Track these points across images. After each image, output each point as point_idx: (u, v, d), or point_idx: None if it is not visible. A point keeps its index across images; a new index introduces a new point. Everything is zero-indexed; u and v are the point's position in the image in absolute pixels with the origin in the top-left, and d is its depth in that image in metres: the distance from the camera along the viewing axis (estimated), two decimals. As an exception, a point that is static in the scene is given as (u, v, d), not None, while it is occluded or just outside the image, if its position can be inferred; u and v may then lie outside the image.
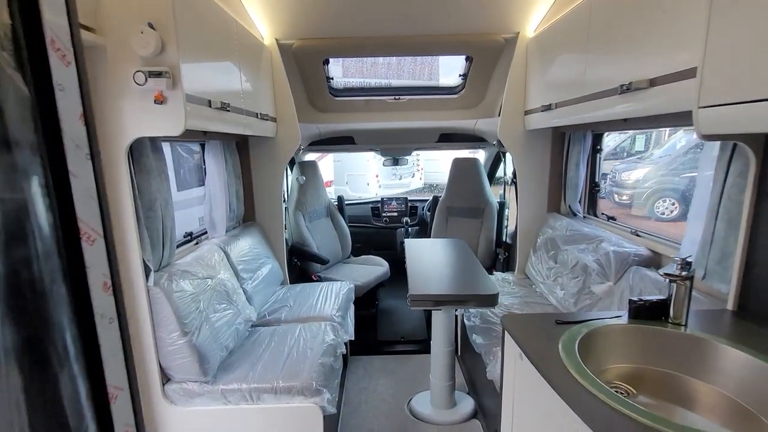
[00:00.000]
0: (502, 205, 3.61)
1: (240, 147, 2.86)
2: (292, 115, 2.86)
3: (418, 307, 2.02)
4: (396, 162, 4.26)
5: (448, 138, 3.69)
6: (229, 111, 1.95)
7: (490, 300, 1.94)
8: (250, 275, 2.54)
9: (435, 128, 3.56)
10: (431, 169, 10.59)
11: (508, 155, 3.48)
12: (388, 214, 4.56)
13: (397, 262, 3.96)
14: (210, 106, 1.76)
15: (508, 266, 3.38)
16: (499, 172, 4.10)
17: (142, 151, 1.73)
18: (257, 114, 2.40)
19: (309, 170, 3.71)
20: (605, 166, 3.80)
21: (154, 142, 1.81)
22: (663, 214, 6.25)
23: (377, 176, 9.62)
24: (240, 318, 2.18)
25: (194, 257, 2.08)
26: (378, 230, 4.59)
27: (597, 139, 2.62)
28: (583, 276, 2.20)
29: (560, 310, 2.39)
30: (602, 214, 2.60)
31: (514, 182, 3.18)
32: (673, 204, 6.35)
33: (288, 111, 2.86)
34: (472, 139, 3.66)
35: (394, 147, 3.96)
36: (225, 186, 2.58)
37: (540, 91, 2.50)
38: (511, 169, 3.25)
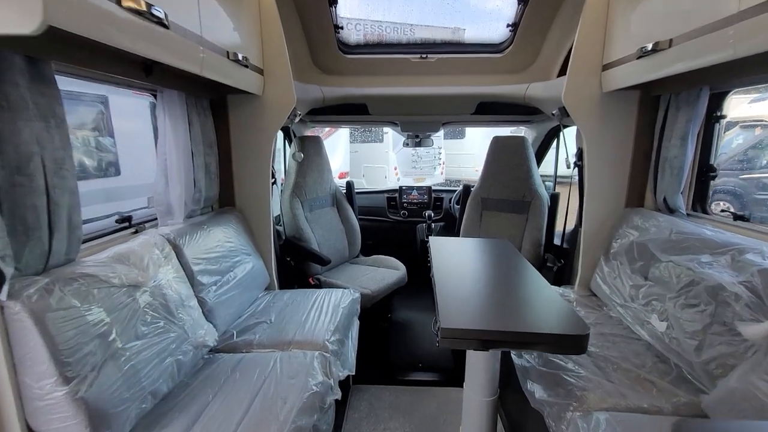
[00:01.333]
0: (554, 198, 2.81)
1: (216, 108, 2.17)
2: (286, 68, 2.15)
3: (454, 347, 1.25)
4: (419, 143, 3.49)
5: (487, 109, 2.91)
6: (167, 28, 1.25)
7: (575, 344, 1.16)
8: (216, 279, 1.84)
9: (472, 95, 2.78)
10: (453, 163, 9.83)
11: (568, 132, 2.68)
12: (408, 205, 3.81)
13: (416, 264, 3.22)
14: (119, 4, 1.05)
15: (562, 279, 2.59)
16: (547, 158, 3.31)
17: (4, 76, 1.04)
18: (228, 53, 1.70)
19: (311, 147, 2.98)
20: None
21: (37, 66, 1.12)
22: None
23: (396, 169, 8.89)
24: (186, 344, 1.49)
25: (115, 254, 1.38)
26: (394, 225, 3.84)
27: (715, 102, 1.81)
28: (711, 305, 1.40)
29: (659, 350, 1.61)
30: (721, 211, 1.79)
31: (578, 165, 2.39)
32: (728, 208, 5.78)
33: (280, 64, 2.15)
34: (519, 111, 2.87)
35: (419, 120, 3.18)
36: (187, 155, 1.89)
37: (635, 30, 1.71)
38: (574, 150, 2.45)
